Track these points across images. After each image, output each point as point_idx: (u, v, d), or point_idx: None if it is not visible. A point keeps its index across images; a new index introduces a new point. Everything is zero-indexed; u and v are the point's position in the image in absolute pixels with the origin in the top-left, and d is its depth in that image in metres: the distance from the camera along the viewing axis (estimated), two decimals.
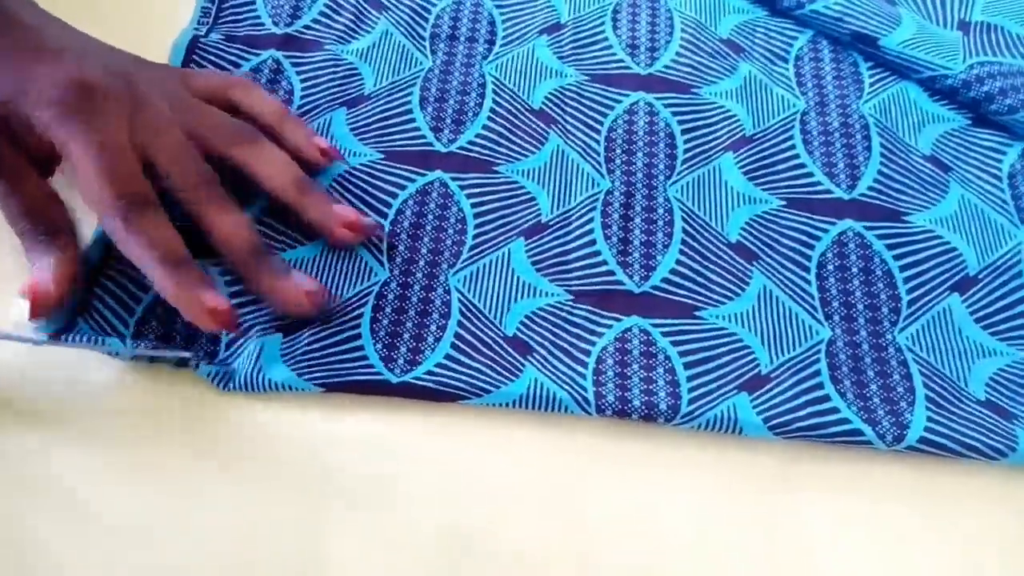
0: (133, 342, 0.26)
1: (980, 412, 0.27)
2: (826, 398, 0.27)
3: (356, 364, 0.27)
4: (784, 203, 0.31)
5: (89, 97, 0.25)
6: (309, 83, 0.33)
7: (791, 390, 0.27)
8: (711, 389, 0.27)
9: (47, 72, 0.25)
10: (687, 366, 0.27)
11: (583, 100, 0.34)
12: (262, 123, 0.30)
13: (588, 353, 0.27)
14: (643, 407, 0.26)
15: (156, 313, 0.27)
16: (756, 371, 0.27)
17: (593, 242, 0.30)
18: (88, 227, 0.28)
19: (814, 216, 0.31)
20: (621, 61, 0.35)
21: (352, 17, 0.36)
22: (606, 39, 0.35)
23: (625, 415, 0.26)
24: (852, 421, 0.26)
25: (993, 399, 0.27)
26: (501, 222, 0.30)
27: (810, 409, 0.26)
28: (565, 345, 0.28)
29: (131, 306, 0.27)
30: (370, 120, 0.32)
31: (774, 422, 0.26)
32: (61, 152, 0.25)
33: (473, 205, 0.30)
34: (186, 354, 0.26)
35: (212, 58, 0.33)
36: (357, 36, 0.35)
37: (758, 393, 0.27)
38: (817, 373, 0.27)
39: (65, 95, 0.24)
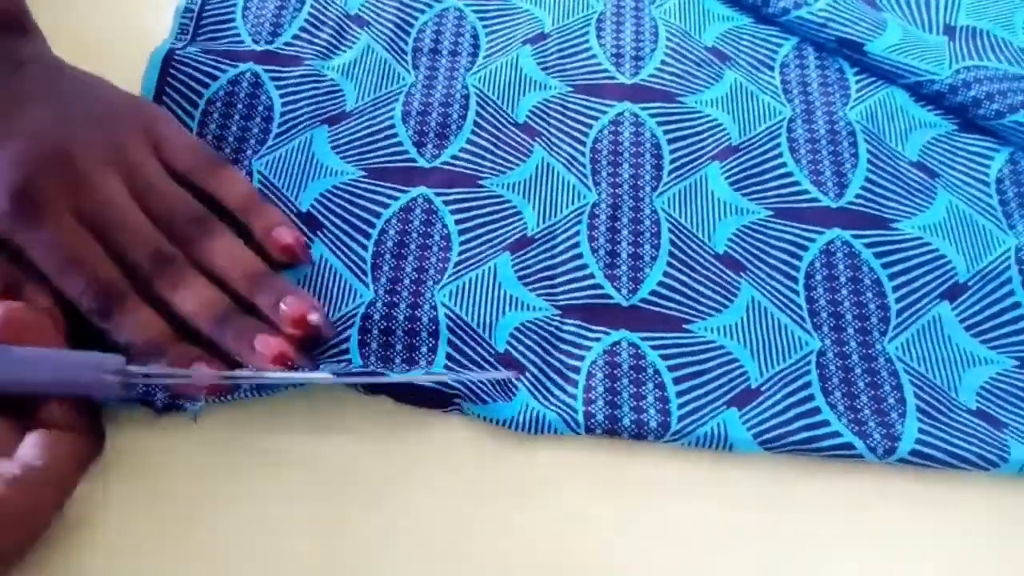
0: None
1: (971, 422, 0.26)
2: (816, 411, 0.26)
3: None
4: (772, 213, 0.31)
5: (29, 201, 0.25)
6: (289, 99, 0.33)
7: (781, 403, 0.27)
8: (700, 405, 0.26)
9: None
10: (676, 381, 0.27)
11: (567, 112, 0.33)
12: (229, 208, 0.29)
13: (577, 370, 0.27)
14: (633, 425, 0.26)
15: None
16: (746, 385, 0.27)
17: (580, 255, 0.30)
18: None
19: (802, 225, 0.30)
20: (606, 71, 0.34)
21: (333, 33, 0.35)
22: (590, 48, 0.35)
23: (615, 434, 0.26)
24: (843, 434, 0.26)
25: (984, 408, 0.27)
26: (486, 237, 0.30)
27: (800, 423, 0.26)
28: (555, 363, 0.27)
29: None
30: (352, 137, 0.32)
31: (764, 437, 0.26)
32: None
33: (458, 221, 0.30)
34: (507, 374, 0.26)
35: (188, 70, 0.33)
36: (338, 52, 0.35)
37: (748, 408, 0.26)
38: (808, 385, 0.27)
39: (5, 208, 0.25)
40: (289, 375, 0.25)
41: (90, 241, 0.26)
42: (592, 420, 0.26)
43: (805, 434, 0.26)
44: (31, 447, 0.22)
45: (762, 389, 0.27)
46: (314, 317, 0.26)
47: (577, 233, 0.30)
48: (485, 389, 0.26)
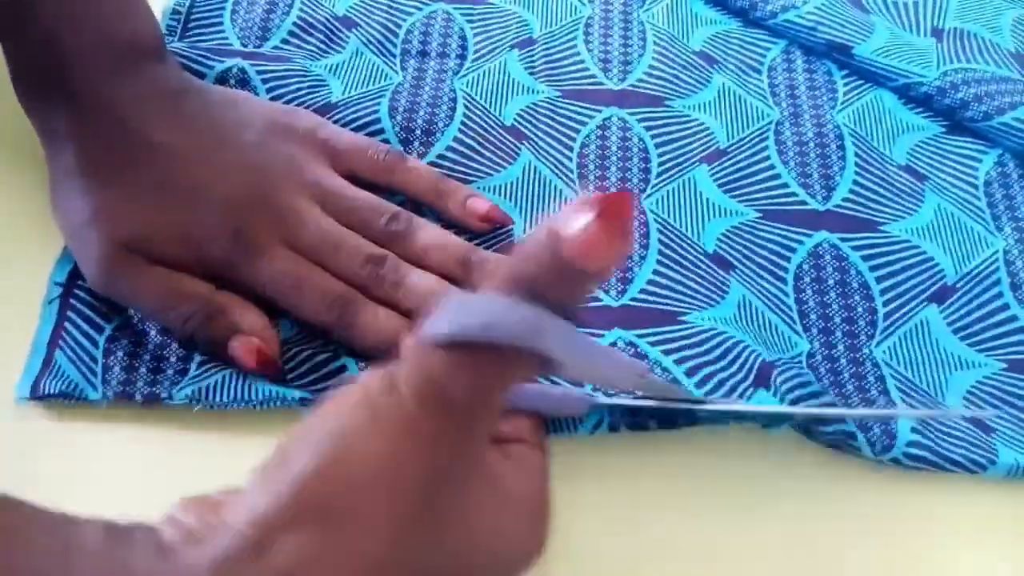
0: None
1: (959, 425, 0.26)
2: (820, 393, 0.26)
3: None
4: (760, 215, 0.31)
5: (247, 243, 0.27)
6: (274, 92, 0.32)
7: (801, 387, 0.26)
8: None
9: (193, 225, 0.27)
10: (688, 372, 0.26)
11: (555, 116, 0.33)
12: (418, 200, 0.30)
13: None
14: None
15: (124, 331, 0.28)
16: (762, 359, 0.26)
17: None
18: None
19: (789, 228, 0.30)
20: (594, 76, 0.34)
21: (323, 37, 0.35)
22: (578, 54, 0.35)
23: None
24: (847, 423, 0.25)
25: (972, 409, 0.27)
26: (473, 242, 0.30)
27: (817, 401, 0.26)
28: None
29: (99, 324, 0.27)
30: None
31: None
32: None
33: (444, 225, 0.30)
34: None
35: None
36: (327, 55, 0.35)
37: (770, 384, 0.26)
38: (811, 380, 0.27)
39: (223, 248, 0.26)
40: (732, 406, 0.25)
41: (311, 265, 0.27)
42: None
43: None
44: (530, 455, 0.23)
45: (777, 364, 0.26)
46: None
47: None
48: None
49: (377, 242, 0.28)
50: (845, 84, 0.35)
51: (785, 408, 0.24)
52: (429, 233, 0.29)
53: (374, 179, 0.30)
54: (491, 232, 0.30)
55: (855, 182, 0.32)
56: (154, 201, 0.27)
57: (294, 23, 0.35)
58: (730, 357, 0.26)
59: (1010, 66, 0.35)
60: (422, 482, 0.17)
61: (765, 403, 0.25)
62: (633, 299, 0.28)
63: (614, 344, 0.27)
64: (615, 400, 0.25)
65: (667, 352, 0.27)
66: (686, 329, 0.27)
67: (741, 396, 0.25)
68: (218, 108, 0.29)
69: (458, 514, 0.18)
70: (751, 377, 0.26)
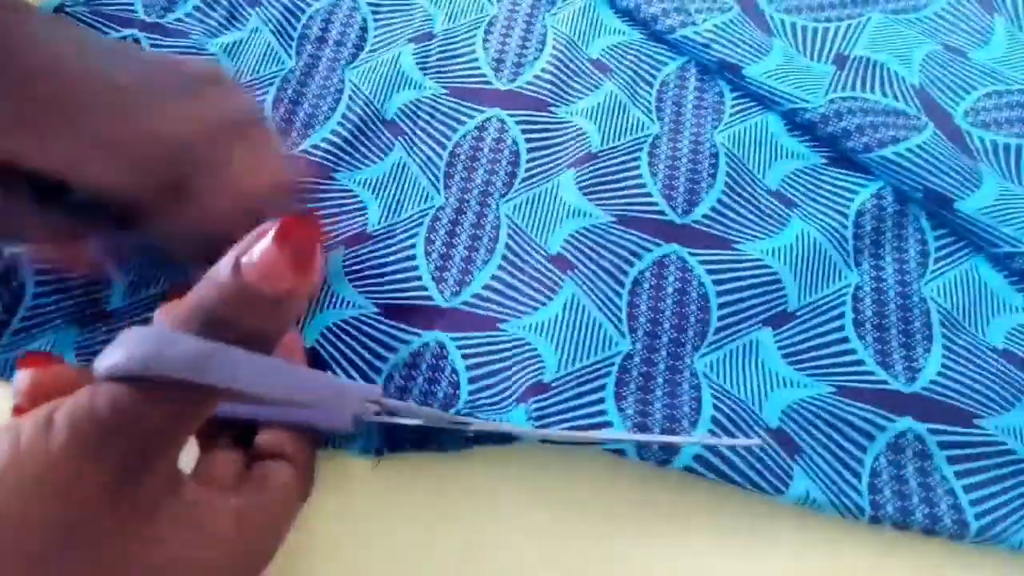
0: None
1: (767, 442, 0.26)
2: (603, 412, 0.26)
3: None
4: (614, 219, 0.31)
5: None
6: None
7: (573, 400, 0.26)
8: (499, 399, 0.26)
9: (124, 166, 0.24)
10: (472, 379, 0.27)
11: (436, 114, 0.33)
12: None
13: (380, 371, 0.27)
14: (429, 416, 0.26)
15: None
16: (539, 378, 0.27)
17: (412, 257, 0.30)
18: None
19: (641, 235, 0.30)
20: (483, 76, 0.35)
21: (226, 13, 0.36)
22: (473, 52, 0.35)
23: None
24: (622, 441, 0.25)
25: (784, 429, 0.27)
26: (328, 228, 0.30)
27: (586, 421, 0.26)
28: (358, 360, 0.27)
29: None
30: None
31: (544, 422, 0.26)
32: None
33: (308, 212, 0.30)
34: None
35: None
36: (226, 31, 0.35)
37: (538, 398, 0.26)
38: (602, 388, 0.27)
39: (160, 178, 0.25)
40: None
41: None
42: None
43: (587, 424, 0.26)
44: (271, 475, 0.22)
45: (553, 384, 0.27)
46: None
47: (415, 235, 0.30)
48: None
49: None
50: (733, 105, 0.34)
51: (539, 431, 0.25)
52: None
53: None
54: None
55: (719, 200, 0.31)
56: (89, 138, 0.24)
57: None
58: (518, 366, 0.27)
59: (909, 100, 0.34)
60: (55, 528, 0.16)
61: (518, 421, 0.25)
62: (464, 302, 0.29)
63: (425, 346, 0.27)
64: (382, 418, 0.24)
65: (466, 357, 0.27)
66: (497, 336, 0.28)
67: (501, 411, 0.26)
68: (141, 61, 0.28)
69: (113, 558, 0.17)
70: (518, 393, 0.26)
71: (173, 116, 0.25)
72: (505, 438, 0.26)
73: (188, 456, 0.20)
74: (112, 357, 0.17)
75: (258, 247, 0.17)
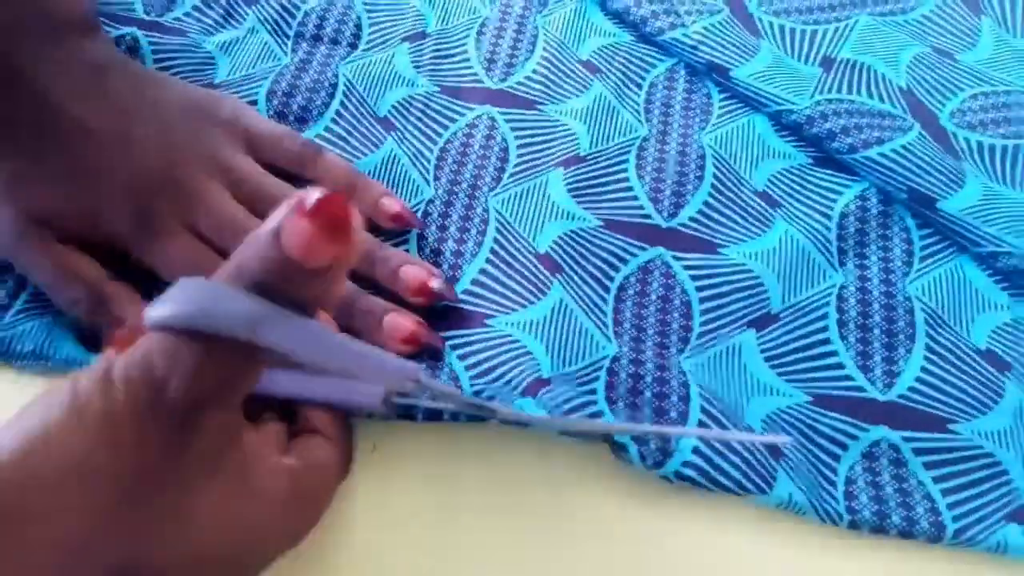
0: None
1: (751, 445, 0.26)
2: (600, 414, 0.26)
3: None
4: (601, 223, 0.31)
5: (148, 226, 0.27)
6: (161, 65, 0.33)
7: (567, 403, 0.26)
8: (499, 394, 0.26)
9: (98, 202, 0.27)
10: (470, 368, 0.27)
11: (428, 111, 0.34)
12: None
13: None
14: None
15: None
16: (538, 374, 0.27)
17: (405, 251, 0.30)
18: None
19: (627, 239, 0.31)
20: (475, 75, 0.35)
21: (223, 12, 0.36)
22: (465, 52, 0.36)
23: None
24: (623, 437, 0.26)
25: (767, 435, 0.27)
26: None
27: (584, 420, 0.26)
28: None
29: None
30: None
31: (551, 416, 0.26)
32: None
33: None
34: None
35: None
36: (223, 30, 0.36)
37: (540, 394, 0.26)
38: (592, 391, 0.27)
39: (123, 227, 0.27)
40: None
41: (209, 252, 0.27)
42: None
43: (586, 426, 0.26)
44: (314, 448, 0.23)
45: (551, 380, 0.27)
46: (435, 283, 0.28)
47: (408, 230, 0.31)
48: None
49: None
50: (721, 107, 0.35)
51: (555, 419, 0.25)
52: None
53: (289, 169, 0.30)
54: (402, 232, 0.30)
55: (705, 203, 0.32)
56: (65, 176, 0.27)
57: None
58: (512, 363, 0.27)
59: (895, 102, 0.34)
60: (120, 479, 0.17)
61: (531, 411, 0.25)
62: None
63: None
64: (409, 400, 0.25)
65: (463, 357, 0.28)
66: (486, 332, 0.28)
67: (508, 404, 0.26)
68: (141, 88, 0.29)
69: (171, 509, 0.18)
70: (522, 386, 0.26)
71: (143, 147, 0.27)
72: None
73: None
74: (165, 308, 0.17)
75: (294, 219, 0.17)
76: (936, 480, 0.27)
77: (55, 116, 0.27)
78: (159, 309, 0.18)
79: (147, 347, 0.18)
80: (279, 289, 0.18)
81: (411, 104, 0.34)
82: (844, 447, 0.27)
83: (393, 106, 0.34)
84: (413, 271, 0.28)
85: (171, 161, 0.28)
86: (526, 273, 0.30)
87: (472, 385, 0.27)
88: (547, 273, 0.30)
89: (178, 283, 0.18)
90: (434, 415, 0.26)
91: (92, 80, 0.28)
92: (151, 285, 0.27)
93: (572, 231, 0.31)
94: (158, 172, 0.27)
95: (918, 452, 0.27)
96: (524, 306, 0.29)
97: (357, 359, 0.20)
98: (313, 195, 0.17)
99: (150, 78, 0.30)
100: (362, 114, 0.34)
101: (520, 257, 0.30)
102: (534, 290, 0.29)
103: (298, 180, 0.30)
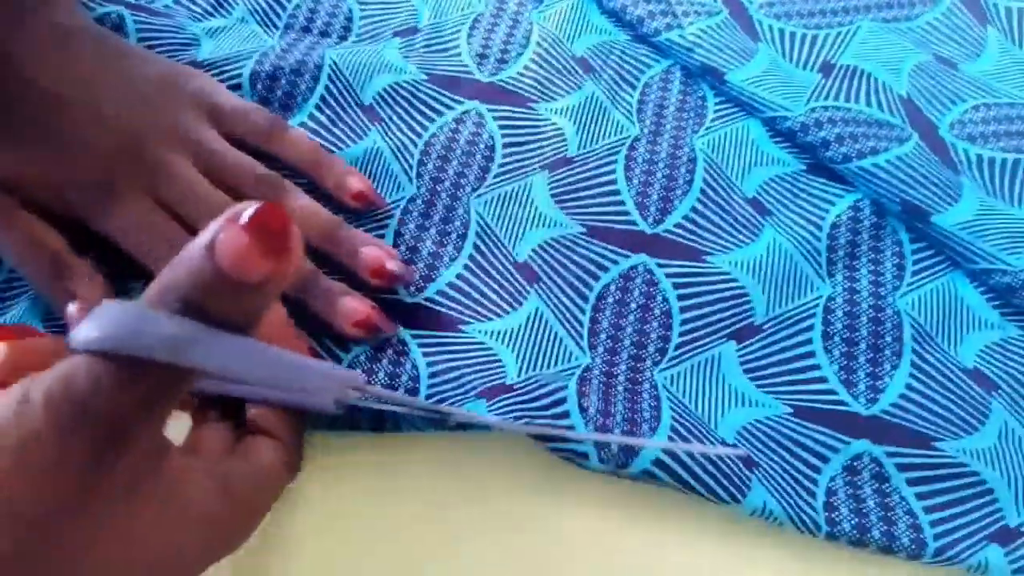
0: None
1: (727, 453, 0.26)
2: (565, 414, 0.26)
3: None
4: (584, 230, 0.30)
5: (108, 193, 0.26)
6: (145, 43, 0.33)
7: (535, 401, 0.26)
8: (454, 396, 0.26)
9: (60, 171, 0.26)
10: (432, 375, 0.27)
11: (414, 100, 0.33)
12: (295, 169, 0.30)
13: (341, 361, 0.27)
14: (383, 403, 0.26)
15: None
16: (501, 380, 0.27)
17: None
18: None
19: (609, 246, 0.30)
20: (465, 66, 0.34)
21: (213, 1, 0.36)
22: (457, 46, 0.35)
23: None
24: (584, 442, 0.25)
25: (739, 447, 0.26)
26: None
27: (549, 422, 0.26)
28: (323, 352, 0.27)
29: None
30: None
31: (515, 420, 0.25)
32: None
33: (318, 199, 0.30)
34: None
35: None
36: (211, 18, 0.35)
37: (498, 399, 0.26)
38: (564, 401, 0.26)
39: (83, 196, 0.26)
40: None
41: (168, 219, 0.27)
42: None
43: (552, 431, 0.25)
44: (260, 450, 0.22)
45: (516, 386, 0.26)
46: (392, 264, 0.28)
47: (387, 226, 0.30)
48: None
49: None
50: (716, 110, 0.34)
51: (511, 423, 0.25)
52: (299, 201, 0.28)
53: (255, 144, 0.30)
54: (379, 228, 0.30)
55: (693, 208, 0.31)
56: (29, 143, 0.27)
57: None
58: (477, 369, 0.27)
59: (894, 111, 0.33)
60: (35, 506, 0.16)
61: (480, 413, 0.25)
62: (427, 299, 0.28)
63: (387, 340, 0.27)
64: (363, 402, 0.24)
65: (426, 355, 0.27)
66: (458, 337, 0.28)
67: (461, 405, 0.26)
68: (110, 58, 0.29)
69: (95, 532, 0.17)
70: (478, 388, 0.26)
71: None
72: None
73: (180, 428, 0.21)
74: (88, 331, 0.17)
75: (228, 232, 0.16)
76: (919, 497, 0.26)
77: (20, 82, 0.27)
78: (82, 331, 0.17)
79: (69, 367, 0.17)
80: (211, 306, 0.17)
81: (397, 92, 0.33)
82: (825, 459, 0.27)
83: (379, 93, 0.33)
84: (373, 251, 0.28)
85: (136, 130, 0.28)
86: (503, 283, 0.29)
87: (429, 387, 0.26)
88: (524, 283, 0.29)
89: (102, 305, 0.17)
90: (377, 426, 0.25)
91: (62, 47, 0.28)
92: (114, 270, 0.27)
93: (553, 239, 0.30)
94: (122, 141, 0.27)
95: (901, 468, 0.27)
96: (499, 315, 0.28)
97: (295, 372, 0.20)
98: (250, 207, 0.16)
99: (119, 47, 0.30)
100: (347, 101, 0.33)
101: (498, 265, 0.29)
102: (510, 300, 0.29)
103: (265, 157, 0.30)
